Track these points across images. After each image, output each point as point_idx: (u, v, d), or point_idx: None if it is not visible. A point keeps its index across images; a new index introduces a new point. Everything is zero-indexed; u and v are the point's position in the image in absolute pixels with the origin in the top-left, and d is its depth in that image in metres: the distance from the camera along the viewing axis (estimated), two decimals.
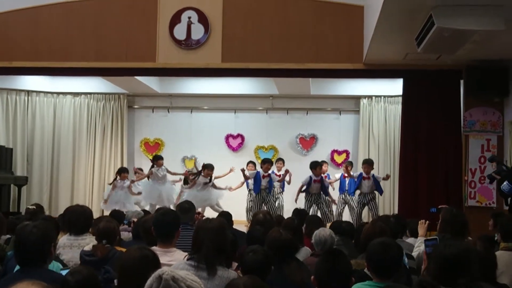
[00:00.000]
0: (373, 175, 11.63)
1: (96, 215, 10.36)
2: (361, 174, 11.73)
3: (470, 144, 9.86)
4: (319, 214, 11.28)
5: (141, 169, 13.30)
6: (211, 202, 12.43)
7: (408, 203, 10.07)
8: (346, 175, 12.45)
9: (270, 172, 12.36)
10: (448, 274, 3.46)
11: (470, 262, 3.51)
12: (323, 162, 12.66)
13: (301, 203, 11.75)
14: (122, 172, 12.85)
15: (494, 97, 9.79)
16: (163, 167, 12.73)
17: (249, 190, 12.51)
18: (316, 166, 11.91)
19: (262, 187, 12.15)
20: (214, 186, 12.56)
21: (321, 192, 11.94)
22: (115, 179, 12.73)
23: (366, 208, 11.83)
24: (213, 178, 12.55)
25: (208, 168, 12.40)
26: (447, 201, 9.19)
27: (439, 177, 10.06)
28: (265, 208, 11.78)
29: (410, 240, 6.52)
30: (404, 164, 10.43)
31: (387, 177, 11.86)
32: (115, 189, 12.58)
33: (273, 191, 12.38)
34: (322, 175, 12.11)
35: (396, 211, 11.51)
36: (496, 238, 6.22)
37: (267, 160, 12.67)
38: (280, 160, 13.29)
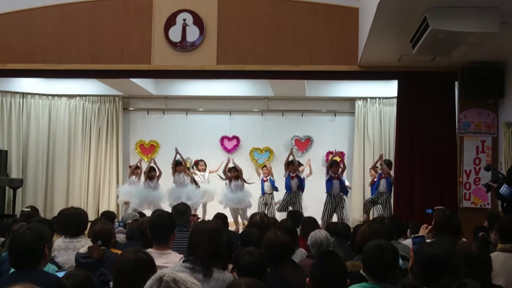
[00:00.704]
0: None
1: (91, 217, 10.38)
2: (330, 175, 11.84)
3: (465, 145, 9.89)
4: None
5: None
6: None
7: (403, 205, 10.08)
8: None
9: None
10: (431, 274, 3.48)
11: (453, 263, 3.53)
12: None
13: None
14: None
15: (488, 98, 9.81)
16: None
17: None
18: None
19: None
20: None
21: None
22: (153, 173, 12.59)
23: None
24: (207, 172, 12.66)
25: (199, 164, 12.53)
26: (442, 202, 9.20)
27: (434, 178, 10.07)
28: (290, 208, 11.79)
29: (406, 241, 6.52)
30: (399, 166, 10.44)
31: (380, 158, 12.06)
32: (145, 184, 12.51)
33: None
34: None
35: (391, 212, 11.52)
36: (491, 238, 6.25)
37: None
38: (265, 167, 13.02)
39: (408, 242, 6.42)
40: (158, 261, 4.05)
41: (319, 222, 10.75)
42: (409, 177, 10.24)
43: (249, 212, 11.01)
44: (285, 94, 13.90)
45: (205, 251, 4.16)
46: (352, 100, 14.36)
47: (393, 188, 10.94)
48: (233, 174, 12.31)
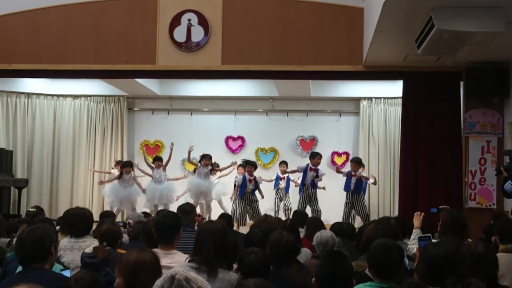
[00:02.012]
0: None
1: (96, 217, 10.39)
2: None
3: (470, 145, 9.86)
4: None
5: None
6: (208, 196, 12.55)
7: (408, 205, 10.05)
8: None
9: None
10: (436, 274, 3.48)
11: (457, 263, 3.53)
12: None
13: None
14: (127, 165, 12.81)
15: (494, 98, 9.78)
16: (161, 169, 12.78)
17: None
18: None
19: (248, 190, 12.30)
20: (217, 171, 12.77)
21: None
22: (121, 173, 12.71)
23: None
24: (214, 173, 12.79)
25: (206, 157, 12.53)
26: (447, 202, 9.16)
27: (439, 178, 10.05)
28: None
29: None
30: (404, 166, 10.42)
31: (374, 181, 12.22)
32: (119, 182, 12.61)
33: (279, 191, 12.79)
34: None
35: (396, 213, 11.51)
36: (493, 239, 6.22)
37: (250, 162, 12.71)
38: (283, 163, 13.24)
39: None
40: (163, 261, 4.05)
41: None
42: (414, 177, 10.22)
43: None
44: (289, 94, 13.90)
45: (211, 251, 4.17)
46: (357, 100, 14.35)
47: (398, 188, 10.91)
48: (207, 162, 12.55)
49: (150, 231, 4.97)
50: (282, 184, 12.93)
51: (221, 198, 13.12)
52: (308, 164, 12.05)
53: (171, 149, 12.77)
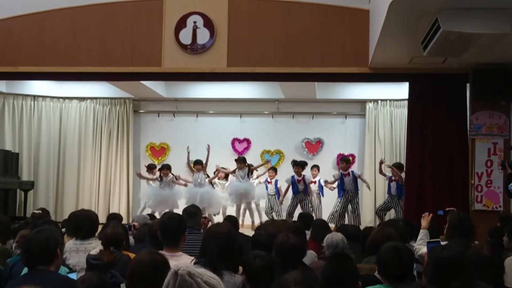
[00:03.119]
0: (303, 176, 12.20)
1: (101, 219, 10.40)
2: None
3: (476, 147, 9.83)
4: None
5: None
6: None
7: (414, 207, 10.02)
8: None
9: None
10: (443, 276, 3.47)
11: (465, 265, 3.52)
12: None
13: None
14: (164, 168, 12.79)
15: (500, 100, 9.75)
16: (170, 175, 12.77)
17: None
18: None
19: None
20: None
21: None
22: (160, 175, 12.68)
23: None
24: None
25: (238, 161, 12.60)
26: (453, 204, 9.14)
27: (446, 181, 10.02)
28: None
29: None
30: (410, 168, 10.40)
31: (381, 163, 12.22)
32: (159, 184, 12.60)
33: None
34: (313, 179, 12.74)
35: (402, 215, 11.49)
36: (503, 242, 6.20)
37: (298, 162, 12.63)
38: (315, 167, 13.32)
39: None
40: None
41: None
42: (420, 179, 10.20)
43: None
44: (295, 96, 13.89)
45: (217, 254, 4.16)
46: (362, 102, 14.34)
47: (404, 190, 10.89)
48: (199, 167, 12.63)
49: (156, 233, 4.96)
50: (313, 187, 12.86)
51: (260, 202, 13.10)
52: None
53: (208, 151, 12.57)
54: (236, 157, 12.87)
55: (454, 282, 3.33)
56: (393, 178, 11.74)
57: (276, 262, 4.29)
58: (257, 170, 13.02)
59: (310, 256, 5.79)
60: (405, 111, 11.79)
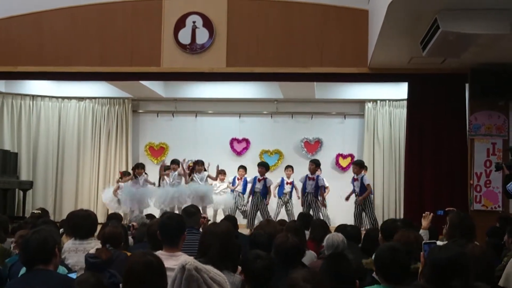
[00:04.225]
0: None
1: (100, 219, 10.40)
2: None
3: (475, 148, 9.83)
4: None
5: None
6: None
7: (413, 207, 10.03)
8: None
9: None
10: (441, 277, 3.47)
11: (463, 266, 3.52)
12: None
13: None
14: (137, 168, 12.73)
15: (499, 100, 9.76)
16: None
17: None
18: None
19: (256, 189, 12.54)
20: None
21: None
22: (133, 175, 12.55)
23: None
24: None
25: (174, 163, 12.68)
26: (452, 204, 9.14)
27: (445, 181, 10.03)
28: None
29: None
30: (410, 168, 10.40)
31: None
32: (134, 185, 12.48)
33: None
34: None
35: (401, 215, 11.49)
36: (504, 242, 6.20)
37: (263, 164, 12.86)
38: (289, 167, 13.37)
39: None
40: (168, 263, 4.04)
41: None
42: (419, 180, 10.20)
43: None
44: (294, 96, 13.90)
45: (216, 253, 4.16)
46: (362, 102, 14.34)
47: (403, 190, 10.90)
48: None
49: (155, 233, 4.95)
50: (288, 188, 12.97)
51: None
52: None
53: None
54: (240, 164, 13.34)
55: (453, 282, 3.32)
56: (355, 177, 11.79)
57: (276, 262, 4.29)
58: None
59: (309, 256, 5.79)
60: (404, 111, 11.81)
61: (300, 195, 12.51)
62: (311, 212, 11.57)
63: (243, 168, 13.60)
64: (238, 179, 13.45)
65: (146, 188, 12.49)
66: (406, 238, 4.84)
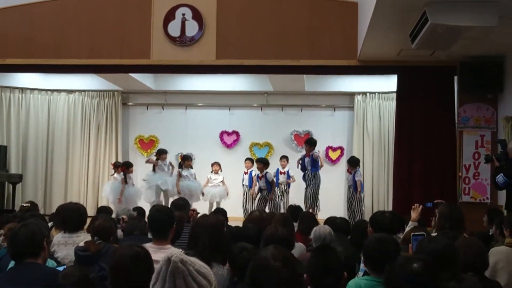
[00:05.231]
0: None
1: (90, 212, 10.38)
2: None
3: (464, 140, 9.88)
4: None
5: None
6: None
7: (402, 199, 10.07)
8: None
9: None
10: None
11: (452, 258, 3.54)
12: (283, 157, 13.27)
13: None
14: (131, 166, 12.78)
15: (488, 93, 9.79)
16: (167, 161, 12.78)
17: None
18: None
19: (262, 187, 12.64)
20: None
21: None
22: (125, 175, 12.55)
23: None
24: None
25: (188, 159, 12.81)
26: (441, 197, 9.19)
27: (434, 173, 10.07)
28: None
29: None
30: (399, 160, 10.44)
31: None
32: (125, 184, 12.49)
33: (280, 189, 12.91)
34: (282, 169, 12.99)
35: (390, 207, 11.53)
36: (491, 233, 6.24)
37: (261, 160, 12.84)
38: (284, 157, 13.24)
39: None
40: (157, 256, 4.05)
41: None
42: (408, 172, 10.24)
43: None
44: (284, 89, 13.89)
45: (206, 245, 4.17)
46: (351, 95, 14.35)
47: (392, 182, 10.94)
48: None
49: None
50: (282, 178, 12.94)
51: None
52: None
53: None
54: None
55: (441, 274, 3.35)
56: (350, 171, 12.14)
57: None
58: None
59: (298, 249, 5.80)
60: (394, 103, 11.82)
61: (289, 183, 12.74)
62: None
63: (249, 160, 13.48)
64: (245, 172, 13.27)
65: (135, 188, 12.63)
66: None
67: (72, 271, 3.66)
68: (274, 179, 12.54)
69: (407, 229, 5.84)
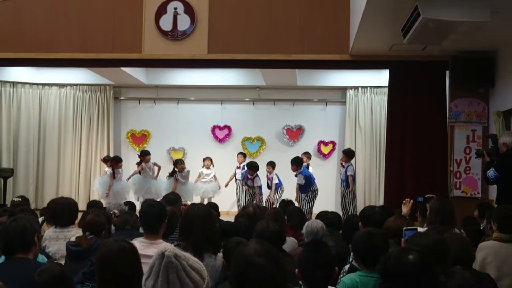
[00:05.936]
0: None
1: (81, 207, 10.37)
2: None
3: (455, 134, 9.90)
4: None
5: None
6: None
7: (394, 194, 10.09)
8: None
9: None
10: None
11: (443, 252, 3.56)
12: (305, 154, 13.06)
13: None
14: (120, 161, 12.77)
15: (479, 88, 9.82)
16: (150, 162, 12.79)
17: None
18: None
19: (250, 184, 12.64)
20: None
21: None
22: (113, 170, 12.55)
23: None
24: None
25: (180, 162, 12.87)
26: (432, 191, 9.22)
27: (425, 167, 10.10)
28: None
29: None
30: (390, 155, 10.45)
31: None
32: (114, 179, 12.49)
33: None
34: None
35: (382, 201, 11.56)
36: (482, 228, 6.27)
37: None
38: (270, 164, 12.73)
39: None
40: (149, 251, 4.06)
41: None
42: (400, 166, 10.26)
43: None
44: (276, 83, 13.89)
45: (198, 236, 4.18)
46: (343, 89, 14.37)
47: (384, 177, 10.96)
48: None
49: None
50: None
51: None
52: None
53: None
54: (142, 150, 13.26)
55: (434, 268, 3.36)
56: (343, 164, 12.10)
57: None
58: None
59: (290, 243, 5.81)
60: (385, 98, 11.83)
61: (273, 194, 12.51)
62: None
63: (242, 154, 13.51)
64: (237, 167, 13.31)
65: (123, 183, 12.64)
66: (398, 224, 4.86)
67: (52, 267, 3.64)
68: (274, 182, 12.47)
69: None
